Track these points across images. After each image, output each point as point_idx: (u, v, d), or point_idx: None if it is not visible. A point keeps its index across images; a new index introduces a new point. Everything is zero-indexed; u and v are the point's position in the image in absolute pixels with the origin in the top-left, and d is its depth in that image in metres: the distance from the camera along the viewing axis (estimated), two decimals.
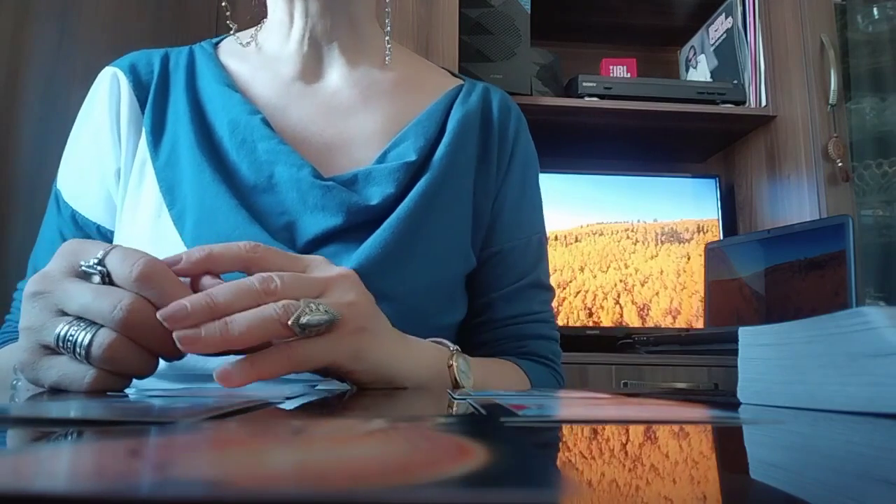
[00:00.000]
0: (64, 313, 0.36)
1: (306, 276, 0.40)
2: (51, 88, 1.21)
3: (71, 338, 0.35)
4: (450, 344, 0.50)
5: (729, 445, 0.19)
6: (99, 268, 0.36)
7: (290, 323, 0.36)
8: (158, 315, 0.34)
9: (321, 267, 0.42)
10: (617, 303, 1.60)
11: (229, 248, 0.39)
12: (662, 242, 1.62)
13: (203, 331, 0.35)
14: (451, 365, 0.48)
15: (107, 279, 0.36)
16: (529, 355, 0.65)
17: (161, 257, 0.39)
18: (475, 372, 0.50)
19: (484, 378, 0.53)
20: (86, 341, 0.35)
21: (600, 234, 1.62)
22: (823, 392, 0.27)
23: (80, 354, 0.35)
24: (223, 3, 0.66)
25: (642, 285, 1.61)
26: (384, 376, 0.43)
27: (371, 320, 0.43)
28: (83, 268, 0.37)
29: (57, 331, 0.35)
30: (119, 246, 0.38)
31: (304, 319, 0.37)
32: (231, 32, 0.68)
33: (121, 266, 0.36)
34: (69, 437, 0.18)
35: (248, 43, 0.66)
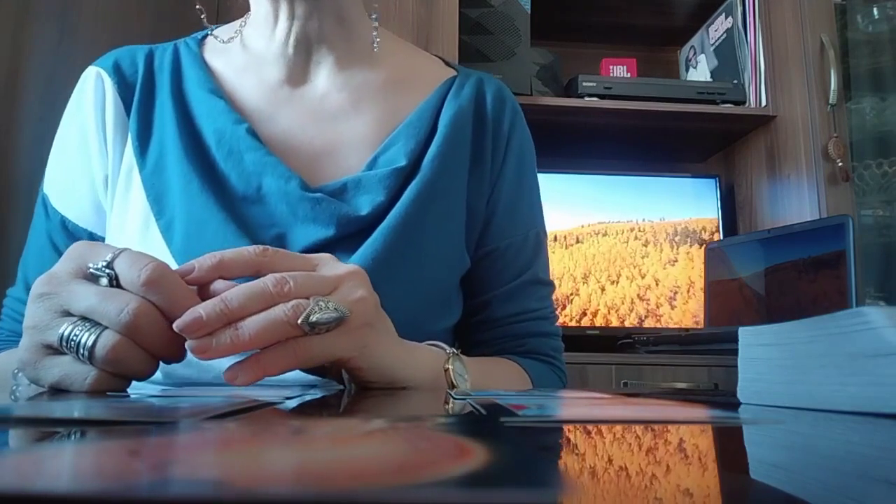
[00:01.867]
0: (69, 314, 0.36)
1: (318, 275, 0.40)
2: (51, 88, 1.21)
3: (75, 338, 0.35)
4: (446, 347, 0.50)
5: (729, 445, 0.19)
6: (107, 271, 0.37)
7: (299, 322, 0.36)
8: (175, 326, 0.35)
9: (330, 265, 0.42)
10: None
11: (240, 254, 0.40)
12: (678, 244, 1.47)
13: (214, 340, 0.35)
14: (448, 368, 0.48)
15: (114, 282, 0.37)
16: (529, 353, 0.64)
17: None
18: (472, 373, 0.50)
19: (482, 378, 0.53)
20: (89, 342, 0.35)
21: (604, 234, 1.50)
22: (823, 392, 0.27)
23: (82, 355, 0.35)
24: (197, 7, 0.63)
25: (671, 305, 1.37)
26: (386, 375, 0.44)
27: (377, 318, 0.43)
28: (91, 270, 0.37)
29: (61, 331, 0.36)
30: (128, 250, 0.38)
31: (313, 318, 0.37)
32: (210, 30, 0.65)
33: (129, 270, 0.36)
34: (70, 437, 0.18)
35: (231, 39, 0.64)
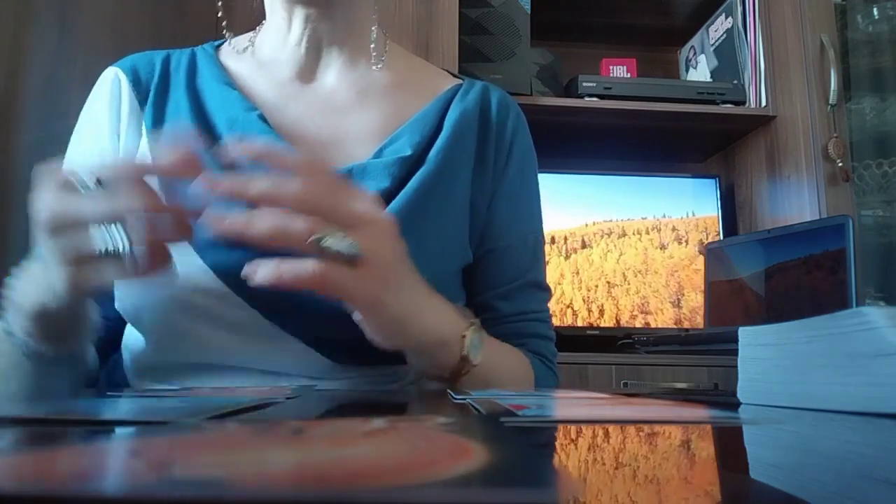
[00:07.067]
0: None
1: (347, 207, 0.41)
2: (51, 89, 1.21)
3: (109, 242, 0.40)
4: (471, 316, 0.51)
5: (729, 445, 0.19)
6: (92, 179, 0.41)
7: (311, 240, 0.38)
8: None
9: (363, 203, 0.43)
10: None
11: (293, 156, 0.42)
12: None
13: (229, 217, 0.38)
14: (465, 335, 0.48)
15: (99, 185, 0.40)
16: (531, 353, 0.65)
17: None
18: (486, 350, 0.50)
19: (493, 358, 0.53)
20: (121, 240, 0.39)
21: (621, 236, 1.39)
22: (823, 392, 0.27)
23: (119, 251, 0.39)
24: (219, 14, 0.66)
25: None
26: (398, 333, 0.45)
27: (395, 273, 0.44)
28: (77, 179, 0.41)
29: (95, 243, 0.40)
30: (105, 163, 0.41)
31: (326, 242, 0.38)
32: (227, 37, 0.68)
33: (108, 171, 0.41)
34: (71, 437, 0.18)
35: (245, 49, 0.67)
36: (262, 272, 0.38)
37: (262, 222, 0.38)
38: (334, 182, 0.43)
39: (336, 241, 0.38)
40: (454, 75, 0.72)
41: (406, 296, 0.45)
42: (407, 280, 0.46)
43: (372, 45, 0.66)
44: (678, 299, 1.54)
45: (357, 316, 0.44)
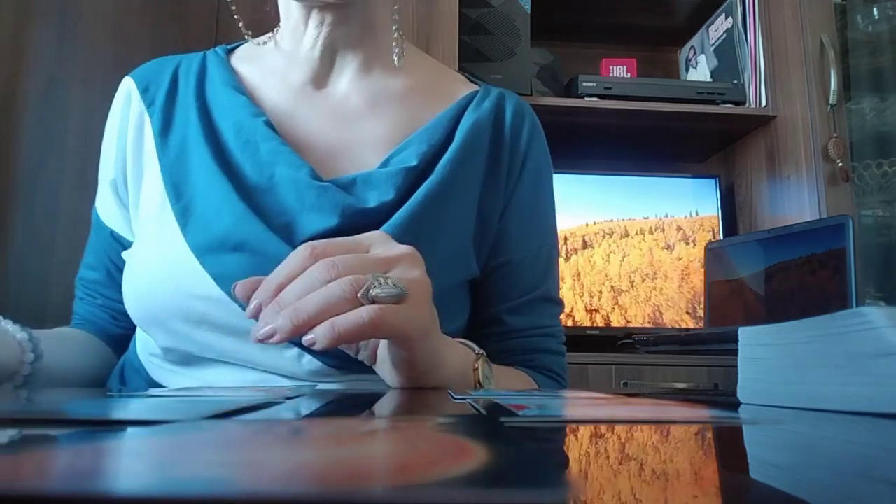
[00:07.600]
0: None
1: (369, 256, 0.41)
2: (51, 88, 1.20)
3: None
4: (475, 347, 0.51)
5: (729, 445, 0.19)
6: None
7: (359, 295, 0.37)
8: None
9: (383, 245, 0.43)
10: None
11: (291, 266, 0.40)
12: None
13: (276, 328, 0.37)
14: (476, 368, 0.49)
15: None
16: (540, 369, 0.64)
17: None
18: (495, 377, 0.51)
19: (501, 384, 0.54)
20: None
21: (623, 235, 1.37)
22: (823, 392, 0.27)
23: None
24: (235, 17, 0.66)
25: None
26: (434, 363, 0.45)
27: (430, 301, 0.44)
28: None
29: None
30: None
31: (373, 292, 0.38)
32: (248, 38, 0.68)
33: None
34: (71, 437, 0.18)
35: (260, 51, 0.67)
36: (321, 338, 0.37)
37: (306, 312, 0.37)
38: (343, 242, 0.42)
39: (382, 288, 0.38)
40: (472, 81, 0.70)
41: (437, 325, 0.46)
42: (434, 310, 0.45)
43: (395, 48, 0.64)
44: (695, 308, 1.50)
45: (399, 351, 0.43)
